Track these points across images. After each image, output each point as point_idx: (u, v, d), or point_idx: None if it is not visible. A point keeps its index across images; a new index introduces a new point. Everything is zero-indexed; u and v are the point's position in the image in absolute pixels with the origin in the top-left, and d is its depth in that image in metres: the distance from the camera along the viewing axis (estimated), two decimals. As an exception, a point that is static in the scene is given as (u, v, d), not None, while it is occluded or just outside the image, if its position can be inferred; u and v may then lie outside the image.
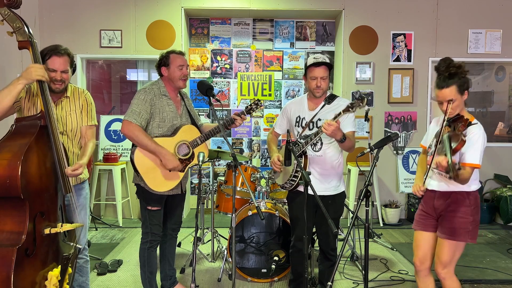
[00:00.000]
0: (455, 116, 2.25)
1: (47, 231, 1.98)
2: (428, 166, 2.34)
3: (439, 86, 2.28)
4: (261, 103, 2.78)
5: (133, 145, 2.63)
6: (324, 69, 2.63)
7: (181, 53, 2.72)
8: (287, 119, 2.86)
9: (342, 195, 2.82)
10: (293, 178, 2.64)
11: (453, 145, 2.13)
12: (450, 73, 2.24)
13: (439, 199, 2.35)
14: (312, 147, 2.69)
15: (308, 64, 2.65)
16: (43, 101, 2.08)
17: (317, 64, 2.61)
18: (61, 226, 2.07)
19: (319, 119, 2.67)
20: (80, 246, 2.30)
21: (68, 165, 2.22)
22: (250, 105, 2.77)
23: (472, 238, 2.29)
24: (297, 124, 2.77)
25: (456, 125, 2.20)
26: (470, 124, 2.21)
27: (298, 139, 2.70)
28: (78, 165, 2.26)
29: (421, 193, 2.38)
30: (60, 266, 2.09)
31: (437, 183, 2.36)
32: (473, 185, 2.30)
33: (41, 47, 2.34)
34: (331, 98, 2.64)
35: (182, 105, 2.80)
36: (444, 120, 2.26)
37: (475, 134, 2.21)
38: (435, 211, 2.39)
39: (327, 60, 2.64)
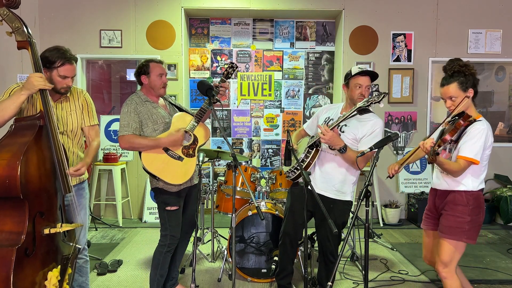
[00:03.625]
0: (459, 113, 2.26)
1: (46, 231, 1.98)
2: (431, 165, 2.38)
3: (441, 84, 2.35)
4: (235, 65, 2.71)
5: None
6: (369, 79, 2.62)
7: (160, 62, 2.75)
8: (318, 118, 2.85)
9: (346, 203, 2.71)
10: (294, 170, 2.68)
11: (444, 134, 2.17)
12: (453, 71, 2.31)
13: (439, 197, 2.37)
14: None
15: (353, 72, 2.62)
16: (42, 102, 2.09)
17: (363, 73, 2.60)
18: (61, 226, 2.07)
19: (346, 125, 2.64)
20: (80, 246, 2.29)
21: (68, 165, 2.22)
22: (226, 69, 2.66)
23: (468, 238, 2.26)
24: (324, 123, 2.72)
25: (456, 120, 2.22)
26: (473, 121, 2.23)
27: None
28: (80, 165, 2.30)
29: (393, 173, 2.40)
30: (59, 266, 2.09)
31: (438, 181, 2.38)
32: (472, 184, 2.28)
33: (41, 47, 2.35)
34: (364, 111, 2.52)
35: (168, 105, 2.85)
36: (449, 116, 2.31)
37: (476, 129, 2.21)
38: (436, 210, 2.41)
39: (373, 70, 2.64)
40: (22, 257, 1.83)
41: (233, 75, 2.78)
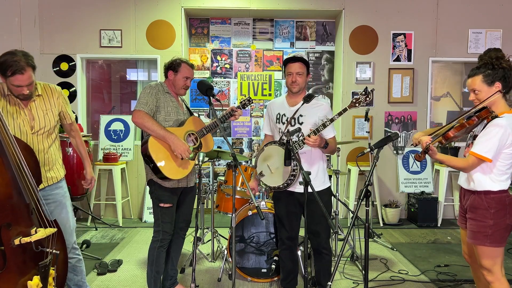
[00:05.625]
0: (480, 108, 2.17)
1: (17, 241, 1.87)
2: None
3: (468, 75, 2.27)
4: (252, 100, 3.00)
5: (142, 137, 2.74)
6: (300, 64, 2.68)
7: (192, 67, 2.87)
8: (270, 118, 2.90)
9: (328, 191, 2.79)
10: (291, 177, 2.62)
11: (448, 131, 2.12)
12: (483, 63, 2.20)
13: (464, 196, 2.32)
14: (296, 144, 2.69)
15: (284, 60, 2.74)
16: None
17: (292, 60, 2.68)
18: (36, 232, 1.98)
19: (301, 115, 2.69)
20: (58, 252, 2.17)
21: (40, 166, 2.18)
22: (244, 101, 2.96)
23: (492, 242, 2.13)
24: (277, 121, 2.80)
25: (472, 115, 2.14)
26: (495, 117, 2.12)
27: (283, 136, 2.69)
28: (90, 177, 2.48)
29: (416, 142, 2.27)
30: (40, 273, 2.00)
31: (462, 179, 2.32)
32: (491, 184, 2.15)
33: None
34: (309, 97, 2.68)
35: (183, 105, 2.95)
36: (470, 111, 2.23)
37: (493, 125, 2.10)
38: (464, 208, 2.35)
39: (303, 57, 2.71)
40: None
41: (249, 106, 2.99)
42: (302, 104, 2.67)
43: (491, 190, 2.15)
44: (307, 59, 2.73)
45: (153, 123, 2.60)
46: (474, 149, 2.12)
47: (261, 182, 2.80)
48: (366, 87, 2.56)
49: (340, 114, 2.52)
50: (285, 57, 5.78)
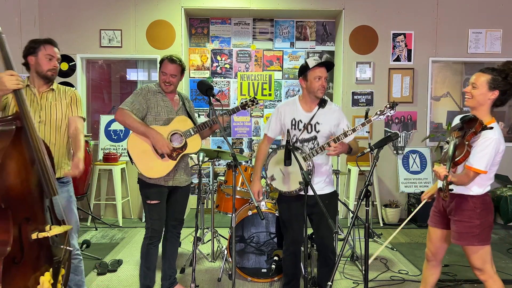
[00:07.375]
0: (470, 117, 2.20)
1: (34, 236, 1.88)
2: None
3: (480, 70, 2.26)
4: (257, 101, 2.89)
5: None
6: (326, 69, 2.67)
7: (172, 61, 2.74)
8: (281, 122, 2.78)
9: (336, 194, 2.81)
10: (301, 187, 2.60)
11: (457, 156, 2.14)
12: (500, 68, 2.21)
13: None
14: (308, 151, 2.66)
15: (310, 65, 2.64)
16: (18, 102, 1.93)
17: (320, 64, 2.64)
18: (50, 228, 1.98)
19: (318, 123, 2.66)
20: (71, 248, 2.19)
21: (53, 164, 2.16)
22: (246, 101, 2.88)
23: (480, 241, 2.22)
24: (293, 127, 2.72)
25: (467, 131, 2.17)
26: (484, 128, 2.16)
27: (299, 144, 2.67)
28: (77, 160, 2.34)
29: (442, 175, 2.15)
30: (51, 269, 2.02)
31: (443, 183, 2.31)
32: (477, 189, 2.24)
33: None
34: (324, 102, 2.69)
35: (180, 105, 2.87)
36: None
37: (487, 140, 2.14)
38: (444, 210, 2.39)
39: (329, 60, 2.69)
40: (10, 265, 1.76)
41: (250, 108, 2.96)
42: (318, 109, 2.66)
43: (478, 194, 2.24)
44: (333, 62, 2.71)
45: (133, 120, 2.62)
46: (473, 165, 2.15)
47: (271, 185, 2.76)
48: (394, 101, 2.53)
49: (363, 124, 2.50)
50: (285, 57, 5.78)
